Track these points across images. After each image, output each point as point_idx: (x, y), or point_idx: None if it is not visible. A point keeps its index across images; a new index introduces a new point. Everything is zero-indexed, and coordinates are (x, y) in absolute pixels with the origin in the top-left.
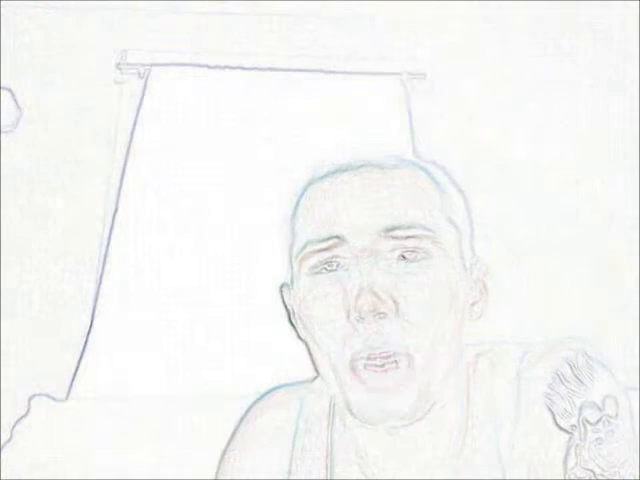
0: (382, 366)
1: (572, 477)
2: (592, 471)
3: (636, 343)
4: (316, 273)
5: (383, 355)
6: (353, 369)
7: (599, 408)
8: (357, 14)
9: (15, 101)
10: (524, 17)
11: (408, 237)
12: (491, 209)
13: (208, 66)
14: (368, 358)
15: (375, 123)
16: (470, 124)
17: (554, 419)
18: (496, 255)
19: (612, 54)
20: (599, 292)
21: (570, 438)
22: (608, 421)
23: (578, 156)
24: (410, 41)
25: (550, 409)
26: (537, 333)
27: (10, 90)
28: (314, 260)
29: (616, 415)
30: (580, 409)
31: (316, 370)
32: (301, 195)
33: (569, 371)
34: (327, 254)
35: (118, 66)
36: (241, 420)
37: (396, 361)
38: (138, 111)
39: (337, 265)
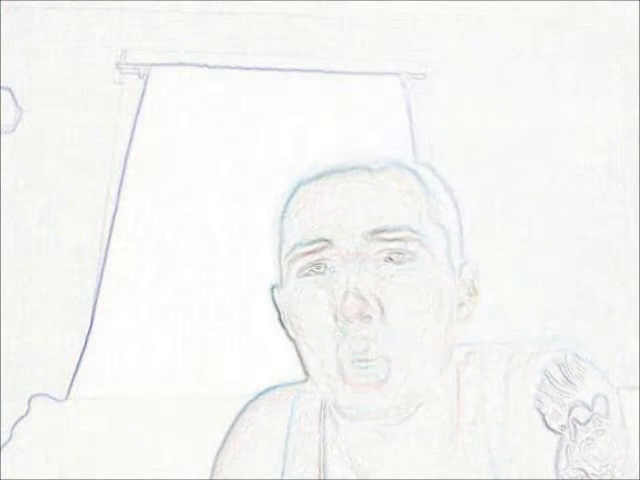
0: (365, 367)
1: (564, 477)
2: (584, 471)
3: (636, 343)
4: (304, 275)
5: (366, 358)
6: (339, 368)
7: (589, 408)
8: (357, 14)
9: (15, 101)
10: (524, 17)
11: (394, 239)
12: (490, 209)
13: (208, 66)
14: (352, 360)
15: (375, 123)
16: (470, 124)
17: (544, 420)
18: (493, 255)
19: (612, 54)
20: (598, 292)
21: (561, 439)
22: (598, 420)
23: (578, 156)
24: (410, 41)
25: (540, 410)
26: (535, 333)
27: (10, 90)
28: (302, 262)
29: (606, 414)
30: (570, 409)
31: (304, 370)
32: (289, 197)
33: (558, 372)
34: (315, 257)
35: (118, 66)
36: (234, 421)
37: (382, 360)
38: (138, 111)
39: (325, 267)
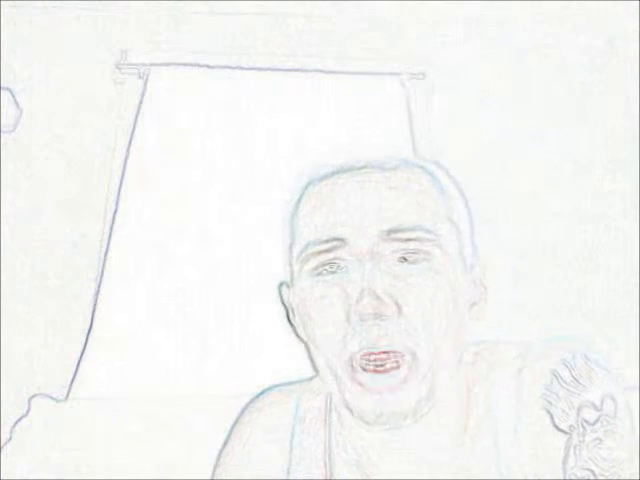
0: (382, 365)
1: (572, 477)
2: (592, 471)
3: (636, 343)
4: (317, 274)
5: (383, 355)
6: (352, 369)
7: (597, 408)
8: (357, 14)
9: (15, 101)
10: (524, 17)
11: (409, 239)
12: (491, 209)
13: (208, 66)
14: (368, 358)
15: (375, 123)
16: (470, 124)
17: (552, 420)
18: (496, 255)
19: (612, 53)
20: (598, 291)
21: (569, 439)
22: (607, 421)
23: (578, 156)
24: (410, 41)
25: (548, 410)
26: (536, 333)
27: (10, 90)
28: (315, 262)
29: (614, 415)
30: (578, 410)
31: (315, 369)
32: (301, 196)
33: (567, 372)
34: (328, 256)
35: (118, 66)
36: (236, 421)
37: (397, 361)
38: (138, 111)
39: (338, 267)
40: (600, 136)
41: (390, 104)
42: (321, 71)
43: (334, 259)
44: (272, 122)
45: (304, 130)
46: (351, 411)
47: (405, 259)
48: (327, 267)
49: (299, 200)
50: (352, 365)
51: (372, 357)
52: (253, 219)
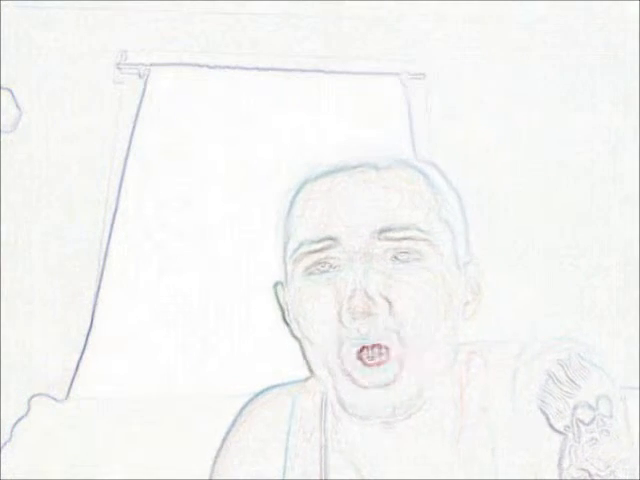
0: (373, 358)
1: (567, 477)
2: (587, 471)
3: (636, 343)
4: (310, 274)
5: (375, 349)
6: (344, 366)
7: (592, 408)
8: (357, 14)
9: (15, 101)
10: (524, 17)
11: (402, 238)
12: (490, 208)
13: (208, 66)
14: (360, 353)
15: (375, 123)
16: (470, 124)
17: (548, 420)
18: (493, 254)
19: (612, 53)
20: (598, 292)
21: (564, 439)
22: (602, 421)
23: (578, 156)
24: (410, 41)
25: (543, 410)
26: (535, 333)
27: (10, 90)
28: (308, 261)
29: (610, 415)
30: (573, 409)
31: (309, 368)
32: (295, 195)
33: (562, 372)
34: (321, 255)
35: (118, 66)
36: (233, 421)
37: (388, 355)
38: (138, 111)
39: (330, 266)
40: (600, 136)
41: (390, 104)
42: (321, 71)
43: (327, 258)
44: (272, 122)
45: (304, 130)
46: (345, 407)
47: (397, 258)
48: (320, 266)
49: (294, 199)
50: (344, 362)
51: (364, 351)
52: (253, 219)
